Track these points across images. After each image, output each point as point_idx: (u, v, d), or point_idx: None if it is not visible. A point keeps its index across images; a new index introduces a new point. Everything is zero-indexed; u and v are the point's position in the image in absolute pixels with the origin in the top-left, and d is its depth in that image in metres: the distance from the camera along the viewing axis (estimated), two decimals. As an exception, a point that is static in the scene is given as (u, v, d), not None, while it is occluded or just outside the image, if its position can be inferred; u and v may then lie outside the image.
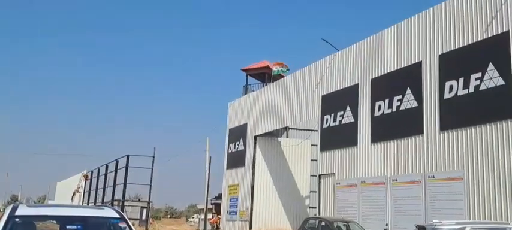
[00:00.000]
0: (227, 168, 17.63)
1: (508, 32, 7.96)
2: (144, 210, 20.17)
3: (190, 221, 35.71)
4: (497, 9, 8.19)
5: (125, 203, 17.48)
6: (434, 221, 6.07)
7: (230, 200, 17.10)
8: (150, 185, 16.74)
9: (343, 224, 9.81)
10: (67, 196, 21.66)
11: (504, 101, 7.83)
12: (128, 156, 16.67)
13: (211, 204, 24.97)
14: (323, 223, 9.72)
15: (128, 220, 3.87)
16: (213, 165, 20.59)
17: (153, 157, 17.01)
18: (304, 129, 15.28)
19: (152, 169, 16.86)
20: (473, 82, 8.41)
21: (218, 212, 21.20)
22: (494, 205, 7.75)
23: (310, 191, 14.07)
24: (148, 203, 17.94)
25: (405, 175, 9.64)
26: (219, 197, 19.05)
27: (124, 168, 16.18)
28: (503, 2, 8.09)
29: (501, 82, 7.93)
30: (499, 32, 8.11)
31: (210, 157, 19.60)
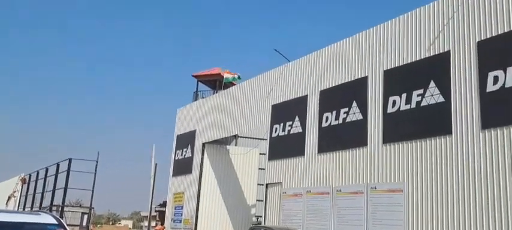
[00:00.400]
0: (173, 175, 17.35)
1: (449, 51, 8.38)
2: (85, 216, 19.45)
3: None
4: (440, 30, 8.61)
5: (65, 208, 16.80)
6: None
7: (175, 208, 16.81)
8: (93, 191, 16.18)
9: (288, 233, 9.90)
10: (1, 201, 20.51)
11: (443, 117, 8.21)
12: (70, 160, 16.05)
13: (155, 211, 24.48)
14: (268, 232, 9.75)
15: (66, 226, 3.70)
16: (160, 172, 20.24)
17: (97, 161, 16.48)
18: (253, 138, 15.32)
19: (95, 173, 16.31)
20: (415, 98, 8.77)
21: (162, 220, 20.80)
22: (431, 217, 8.08)
23: (257, 200, 14.10)
24: (90, 209, 17.34)
25: (349, 185, 9.88)
26: (164, 204, 18.72)
27: (66, 172, 15.58)
28: (445, 23, 8.53)
29: (441, 99, 8.33)
30: (441, 51, 8.52)
31: (156, 164, 19.23)
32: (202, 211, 15.26)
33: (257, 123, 13.50)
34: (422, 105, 8.63)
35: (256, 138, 15.20)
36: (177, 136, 17.63)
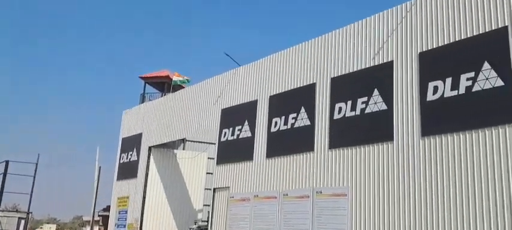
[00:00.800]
0: (118, 179, 16.87)
1: (392, 61, 8.73)
2: (22, 221, 18.49)
3: None
4: (385, 40, 8.96)
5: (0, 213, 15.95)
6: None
7: (119, 213, 16.34)
8: (31, 195, 15.48)
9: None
10: None
11: (385, 124, 8.52)
12: (6, 162, 15.30)
13: (99, 216, 23.71)
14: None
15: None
16: (104, 176, 19.62)
17: (36, 164, 15.77)
18: (201, 142, 15.23)
19: (34, 177, 15.60)
20: (359, 106, 9.06)
21: (105, 225, 20.16)
22: (373, 221, 8.35)
23: (204, 205, 13.99)
24: (28, 214, 16.55)
25: (295, 190, 10.03)
26: (107, 209, 18.17)
27: (1, 175, 14.81)
28: (389, 34, 8.88)
29: (384, 107, 8.64)
30: (385, 61, 8.86)
31: (100, 167, 18.64)
32: (147, 215, 14.96)
33: (206, 127, 13.42)
34: (366, 112, 8.92)
35: (204, 142, 15.12)
36: (123, 139, 17.19)
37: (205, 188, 14.58)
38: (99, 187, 19.03)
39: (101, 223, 23.75)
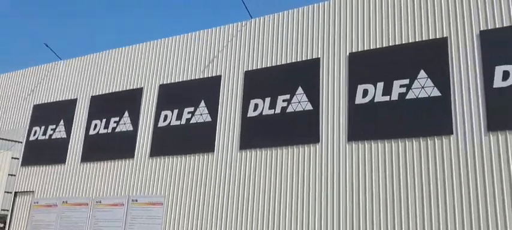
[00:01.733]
0: None
1: (220, 76, 9.04)
2: None
3: None
4: (215, 55, 9.25)
5: None
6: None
7: None
8: None
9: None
10: None
11: (210, 135, 8.73)
12: None
13: None
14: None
15: None
16: None
17: None
18: (5, 139, 13.44)
19: None
20: (185, 115, 9.12)
21: None
22: (187, 229, 8.40)
23: (1, 210, 12.29)
24: None
25: (110, 197, 9.52)
26: None
27: None
28: (220, 50, 9.21)
29: (209, 119, 8.86)
30: (213, 75, 9.14)
31: None
32: None
33: (14, 123, 11.92)
34: (191, 122, 9.02)
35: (9, 140, 13.38)
36: None
37: (5, 192, 12.85)
38: None
39: None
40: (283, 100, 8.17)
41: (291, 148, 7.85)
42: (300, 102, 8.05)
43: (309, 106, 7.93)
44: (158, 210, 8.85)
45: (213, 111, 8.85)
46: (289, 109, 8.08)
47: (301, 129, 7.89)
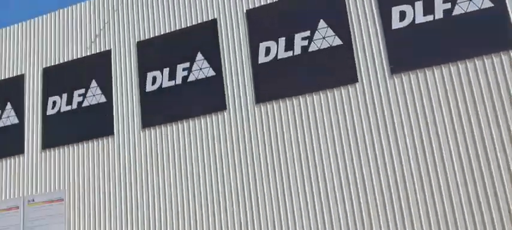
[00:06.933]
0: None
1: (110, 50, 8.17)
2: None
3: None
4: (101, 28, 8.32)
5: None
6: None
7: None
8: None
9: None
10: None
11: (106, 118, 7.93)
12: None
13: None
14: None
15: None
16: None
17: None
18: None
19: None
20: (76, 99, 8.18)
21: None
22: (94, 222, 7.66)
23: None
24: None
25: (1, 201, 8.41)
26: None
27: None
28: (106, 21, 8.30)
29: (103, 99, 8.02)
30: (103, 50, 8.24)
31: None
32: None
33: None
34: (84, 105, 8.11)
35: None
36: None
37: None
38: None
39: None
40: (183, 69, 7.55)
41: (198, 119, 7.32)
42: (201, 68, 7.49)
43: (212, 73, 7.40)
44: (59, 207, 7.96)
45: (107, 90, 8.01)
46: (191, 78, 7.49)
47: (207, 98, 7.38)
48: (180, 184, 7.23)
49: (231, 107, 7.17)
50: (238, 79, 7.33)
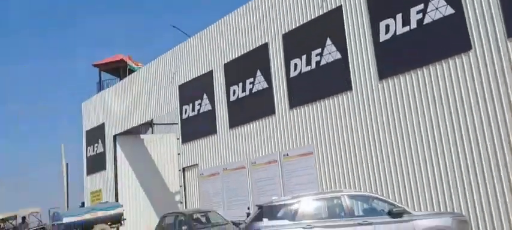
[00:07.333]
0: (88, 174, 16.29)
1: (341, 6, 8.28)
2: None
3: None
4: (330, -14, 8.48)
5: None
6: (273, 198, 6.09)
7: (95, 207, 15.81)
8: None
9: (202, 215, 9.50)
10: None
11: (340, 75, 8.14)
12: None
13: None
14: (181, 218, 9.26)
15: None
16: (76, 171, 18.98)
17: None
18: (166, 123, 14.69)
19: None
20: (314, 58, 8.62)
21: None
22: (338, 175, 8.09)
23: (180, 186, 13.58)
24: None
25: (263, 156, 9.65)
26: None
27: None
28: (334, -21, 8.40)
29: (338, 56, 8.23)
30: (333, 7, 8.41)
31: (67, 164, 17.92)
32: (123, 205, 14.46)
33: (167, 106, 12.85)
34: (321, 64, 8.50)
35: (169, 123, 14.58)
36: (86, 131, 16.52)
37: (179, 170, 14.13)
38: (70, 184, 18.39)
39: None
40: (417, 12, 7.10)
41: (433, 66, 6.83)
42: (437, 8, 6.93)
43: (450, 10, 6.77)
44: (310, 160, 8.68)
45: (342, 46, 8.18)
46: (427, 20, 7.00)
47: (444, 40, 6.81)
48: (412, 134, 6.96)
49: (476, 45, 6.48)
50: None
